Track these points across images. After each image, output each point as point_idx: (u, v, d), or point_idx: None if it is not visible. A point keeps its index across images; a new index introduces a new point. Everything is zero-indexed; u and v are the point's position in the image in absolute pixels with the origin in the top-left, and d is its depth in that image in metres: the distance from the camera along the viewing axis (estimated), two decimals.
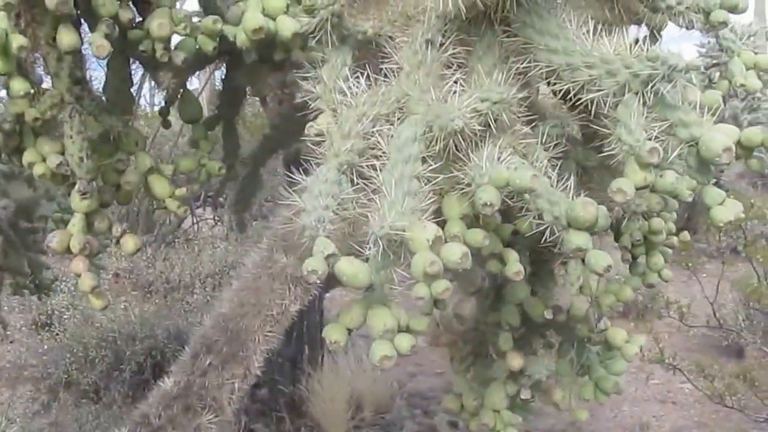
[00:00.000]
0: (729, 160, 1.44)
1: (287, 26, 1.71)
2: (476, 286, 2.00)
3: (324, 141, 1.51)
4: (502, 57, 1.68)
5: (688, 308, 6.41)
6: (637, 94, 1.48)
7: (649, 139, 1.46)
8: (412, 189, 1.44)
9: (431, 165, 1.48)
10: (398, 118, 1.54)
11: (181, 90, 2.15)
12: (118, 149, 2.02)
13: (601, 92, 1.51)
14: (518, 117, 1.66)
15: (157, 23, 1.76)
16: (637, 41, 1.55)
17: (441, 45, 1.63)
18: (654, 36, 1.87)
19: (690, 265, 6.56)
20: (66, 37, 1.71)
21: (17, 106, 1.81)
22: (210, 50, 1.88)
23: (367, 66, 1.63)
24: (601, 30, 1.58)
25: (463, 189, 1.51)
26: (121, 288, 9.38)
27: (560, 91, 1.60)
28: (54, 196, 4.18)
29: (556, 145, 1.74)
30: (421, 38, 1.61)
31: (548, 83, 1.61)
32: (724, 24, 1.83)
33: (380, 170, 1.47)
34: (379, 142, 1.50)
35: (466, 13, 1.62)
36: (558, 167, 1.71)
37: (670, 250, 2.18)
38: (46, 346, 7.38)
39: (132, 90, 2.10)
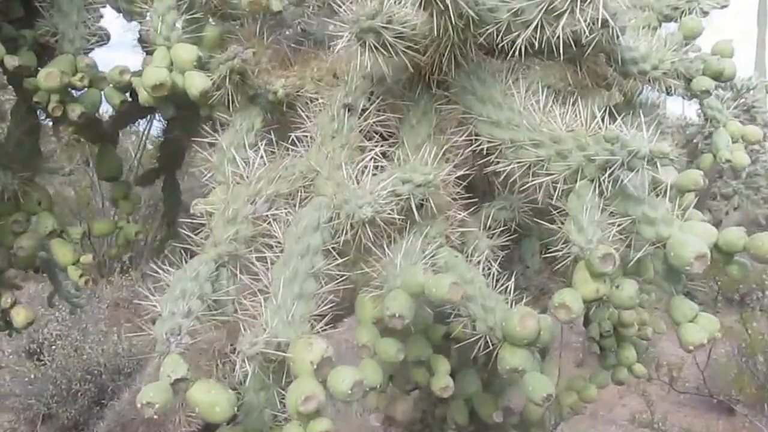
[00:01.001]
0: (702, 269, 1.15)
1: (195, 83, 1.45)
2: (413, 383, 1.71)
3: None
4: (440, 127, 1.41)
5: (680, 370, 6.06)
6: (592, 181, 1.20)
7: (607, 240, 1.18)
8: (306, 290, 1.17)
9: (336, 260, 1.21)
10: (301, 200, 1.27)
11: (99, 144, 1.89)
12: (18, 209, 1.77)
13: (549, 177, 1.24)
14: (455, 199, 1.38)
15: (45, 73, 1.51)
16: (599, 115, 1.27)
17: (364, 111, 1.36)
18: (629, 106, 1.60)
19: None
20: None
21: None
22: (117, 104, 1.63)
23: (272, 133, 1.37)
24: (555, 99, 1.31)
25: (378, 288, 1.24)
26: (117, 318, 9.17)
27: (505, 171, 1.32)
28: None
29: (504, 231, 1.47)
30: (340, 102, 1.35)
31: (489, 162, 1.33)
32: (707, 93, 1.56)
33: (271, 264, 1.20)
34: (273, 229, 1.22)
35: (396, 75, 1.36)
36: (507, 257, 1.44)
37: (645, 342, 1.90)
38: (33, 375, 7.17)
39: (39, 142, 1.84)
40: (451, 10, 1.16)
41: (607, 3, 1.23)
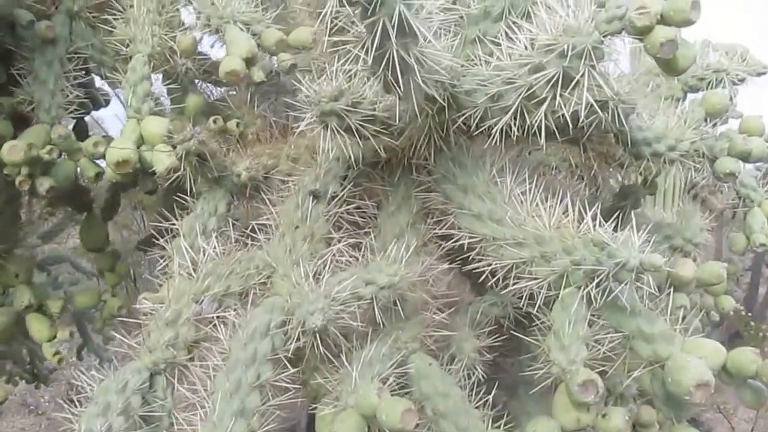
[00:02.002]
0: (704, 399, 0.98)
1: (162, 160, 1.34)
2: None
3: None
4: (421, 214, 1.27)
5: None
6: (579, 289, 1.05)
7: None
8: (248, 405, 1.04)
9: (287, 369, 1.08)
10: (254, 300, 1.14)
11: (86, 213, 1.80)
12: None
13: (533, 281, 1.09)
14: (435, 297, 1.24)
15: (9, 147, 1.42)
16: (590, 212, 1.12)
17: (334, 197, 1.23)
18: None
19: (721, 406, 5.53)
20: None
21: None
22: (92, 177, 1.53)
23: (228, 223, 1.24)
24: (546, 188, 1.16)
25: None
26: None
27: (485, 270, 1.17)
28: (61, 284, 3.93)
29: (495, 330, 1.31)
30: (306, 188, 1.22)
31: (469, 258, 1.19)
32: (732, 176, 1.38)
33: (213, 373, 1.07)
34: (219, 333, 1.09)
35: (369, 158, 1.23)
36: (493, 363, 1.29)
37: None
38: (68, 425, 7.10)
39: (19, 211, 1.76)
40: (414, 96, 1.02)
41: (609, 82, 1.07)
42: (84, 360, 3.89)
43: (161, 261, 1.26)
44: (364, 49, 0.94)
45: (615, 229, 1.05)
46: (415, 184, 1.27)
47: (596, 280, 1.01)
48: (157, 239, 1.27)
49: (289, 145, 1.38)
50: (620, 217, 1.48)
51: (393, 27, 0.89)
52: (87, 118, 1.89)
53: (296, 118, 1.47)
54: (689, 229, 1.58)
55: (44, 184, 1.48)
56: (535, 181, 1.18)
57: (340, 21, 0.97)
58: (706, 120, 1.48)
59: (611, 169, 1.46)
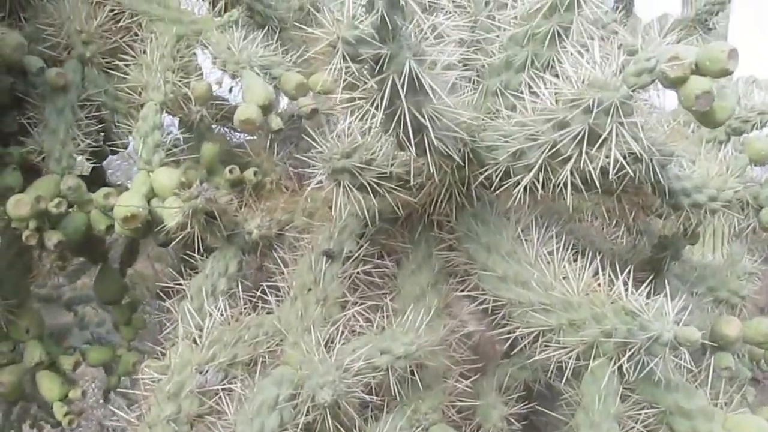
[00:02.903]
0: None
1: (172, 216, 1.27)
2: None
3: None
4: (444, 274, 1.19)
5: None
6: (610, 361, 0.96)
7: None
8: None
9: None
10: (263, 369, 1.07)
11: (100, 264, 1.75)
12: (1, 339, 1.63)
13: (561, 351, 1.00)
14: (458, 363, 1.16)
15: (15, 201, 1.37)
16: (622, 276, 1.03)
17: (350, 257, 1.16)
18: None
19: None
20: None
21: None
22: (103, 230, 1.48)
23: (238, 283, 1.18)
24: (573, 246, 1.08)
25: None
26: None
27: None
28: (87, 324, 3.91)
29: (525, 396, 1.23)
30: (319, 248, 1.15)
31: (494, 321, 1.11)
32: None
33: None
34: (224, 406, 1.02)
35: (386, 215, 1.16)
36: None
37: None
38: None
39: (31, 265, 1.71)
40: (430, 153, 0.95)
41: (642, 135, 0.98)
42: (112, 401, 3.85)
43: (168, 324, 1.20)
44: (375, 106, 0.87)
45: (652, 283, 0.97)
46: (437, 242, 1.20)
47: (628, 353, 0.93)
48: (164, 300, 1.20)
49: (305, 198, 1.31)
50: (660, 268, 1.39)
51: (403, 85, 0.82)
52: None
53: (313, 168, 1.42)
54: (735, 279, 1.48)
55: (53, 238, 1.43)
56: (563, 239, 1.10)
57: (350, 76, 0.90)
58: (750, 165, 1.39)
59: (649, 219, 1.37)
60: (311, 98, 1.50)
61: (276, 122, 1.39)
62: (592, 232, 1.44)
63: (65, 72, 1.52)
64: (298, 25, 1.76)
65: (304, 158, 1.55)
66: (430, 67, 0.86)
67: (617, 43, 0.97)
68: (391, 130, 0.90)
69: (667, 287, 0.93)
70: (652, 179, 1.18)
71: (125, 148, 1.86)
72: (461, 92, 0.99)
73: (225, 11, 1.63)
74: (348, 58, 0.80)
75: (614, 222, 1.48)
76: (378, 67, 0.81)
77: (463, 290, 1.16)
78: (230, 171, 1.45)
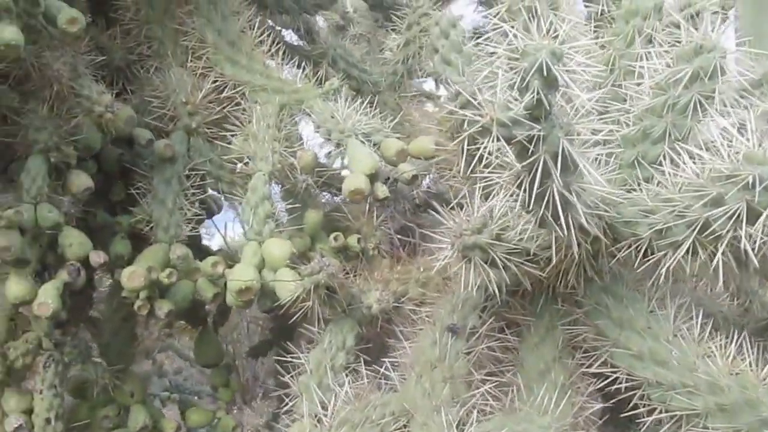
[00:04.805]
0: None
1: (285, 289, 1.27)
2: None
3: None
4: (567, 348, 1.16)
5: None
6: None
7: None
8: None
9: None
10: None
11: (200, 327, 1.75)
12: (108, 402, 1.63)
13: None
14: None
15: (129, 273, 1.38)
16: None
17: (473, 333, 1.13)
18: None
19: None
20: (15, 288, 1.35)
21: None
22: (210, 297, 1.48)
23: (361, 357, 1.16)
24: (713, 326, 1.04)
25: None
26: None
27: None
28: (166, 372, 3.94)
29: None
30: (443, 323, 1.13)
31: (630, 401, 1.06)
32: None
33: None
34: None
35: (511, 288, 1.13)
36: None
37: None
38: None
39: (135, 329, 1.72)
40: (573, 230, 0.92)
41: None
42: None
43: (286, 400, 1.18)
44: (521, 187, 0.85)
45: None
46: (560, 314, 1.16)
47: None
48: (282, 376, 1.19)
49: (417, 267, 1.29)
50: None
51: (557, 165, 0.80)
52: None
53: (422, 235, 1.41)
54: None
55: (163, 308, 1.43)
56: (694, 310, 1.05)
57: (482, 151, 0.88)
58: None
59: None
60: (411, 164, 1.49)
61: (382, 191, 1.39)
62: (700, 294, 1.39)
63: (173, 143, 1.54)
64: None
65: (409, 224, 1.54)
66: (579, 144, 0.83)
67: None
68: (535, 209, 0.87)
69: None
70: None
71: (220, 210, 1.88)
72: (603, 167, 0.96)
73: (306, 71, 1.65)
74: (502, 140, 0.78)
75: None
76: (532, 147, 0.79)
77: (590, 366, 1.12)
78: (335, 238, 1.44)
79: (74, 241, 1.42)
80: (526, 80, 0.75)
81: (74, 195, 1.46)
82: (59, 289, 1.37)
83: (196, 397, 3.92)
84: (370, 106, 1.52)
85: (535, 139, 0.79)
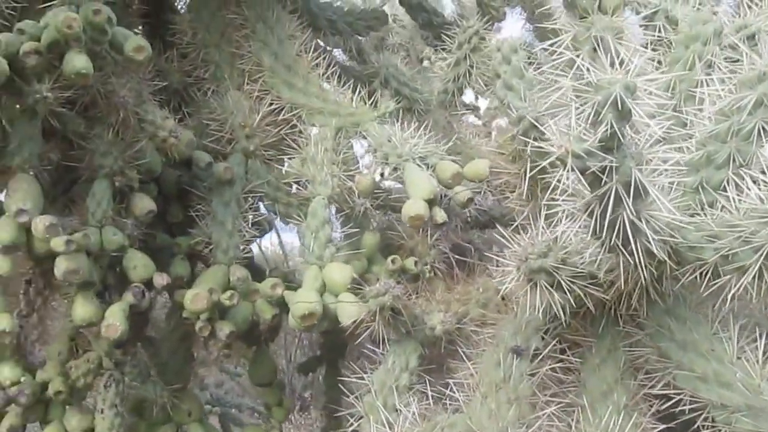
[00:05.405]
0: None
1: (347, 312, 1.29)
2: None
3: None
4: (629, 370, 1.17)
5: None
6: None
7: None
8: None
9: None
10: None
11: (254, 346, 1.78)
12: (166, 421, 1.67)
13: None
14: None
15: (192, 295, 1.42)
16: None
17: (536, 354, 1.15)
18: None
19: None
20: (82, 310, 1.39)
21: (45, 372, 1.51)
22: (269, 318, 1.51)
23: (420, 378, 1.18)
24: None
25: None
26: None
27: None
28: (207, 385, 3.97)
29: None
30: (507, 344, 1.15)
31: (694, 424, 1.07)
32: None
33: None
34: None
35: (574, 309, 1.15)
36: None
37: None
38: None
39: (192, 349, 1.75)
40: (637, 255, 0.94)
41: None
42: None
43: (351, 420, 1.20)
44: (592, 215, 0.87)
45: None
46: (621, 336, 1.18)
47: None
48: (347, 396, 1.21)
49: (477, 288, 1.31)
50: None
51: (629, 193, 0.82)
52: None
53: (480, 256, 1.43)
54: None
55: (224, 329, 1.46)
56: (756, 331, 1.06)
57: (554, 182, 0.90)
58: None
59: None
60: (465, 186, 1.51)
61: (441, 216, 1.41)
62: (761, 314, 1.39)
63: (232, 166, 1.58)
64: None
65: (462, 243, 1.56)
66: (649, 173, 0.85)
67: None
68: (606, 236, 0.89)
69: None
70: None
71: (271, 229, 1.91)
72: (669, 193, 0.98)
73: (360, 93, 1.67)
74: (576, 171, 0.80)
75: None
76: (604, 177, 0.81)
77: (652, 387, 1.13)
78: (392, 261, 1.46)
79: (138, 264, 1.46)
80: (601, 113, 0.77)
81: (137, 218, 1.51)
82: (125, 311, 1.41)
83: (236, 410, 3.95)
84: (421, 125, 1.55)
85: (607, 169, 0.81)
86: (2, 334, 1.30)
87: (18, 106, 1.37)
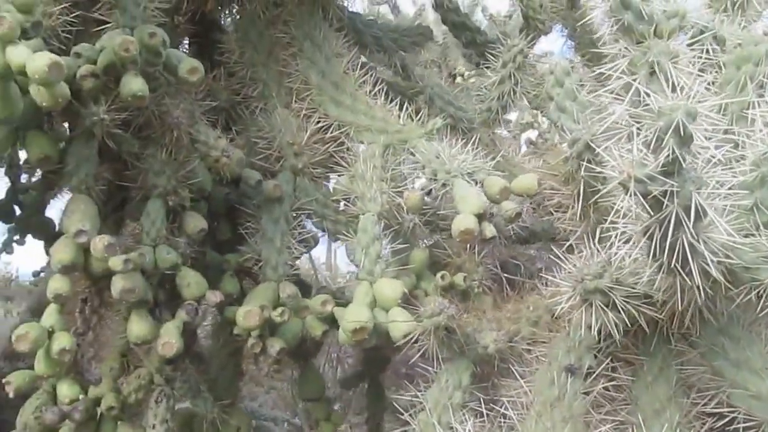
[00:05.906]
0: None
1: (399, 328, 1.31)
2: None
3: None
4: (683, 387, 1.18)
5: None
6: None
7: None
8: None
9: None
10: None
11: (302, 362, 1.80)
12: None
13: None
14: None
15: (245, 312, 1.44)
16: None
17: (589, 373, 1.16)
18: None
19: None
20: (137, 328, 1.42)
21: (97, 389, 1.55)
22: (318, 335, 1.53)
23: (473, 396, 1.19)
24: None
25: None
26: None
27: None
28: (241, 398, 4.00)
29: None
30: (560, 362, 1.16)
31: None
32: None
33: None
34: None
35: (627, 327, 1.16)
36: None
37: None
38: None
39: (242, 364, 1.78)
40: (695, 276, 0.95)
41: None
42: None
43: None
44: (652, 238, 0.88)
45: None
46: (673, 354, 1.18)
47: None
48: (401, 414, 1.23)
49: (527, 306, 1.32)
50: None
51: (689, 216, 0.83)
52: None
53: (529, 273, 1.44)
54: None
55: (275, 346, 1.48)
56: None
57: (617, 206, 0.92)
58: None
59: None
60: (514, 201, 1.52)
61: (490, 230, 1.42)
62: None
63: (281, 184, 1.60)
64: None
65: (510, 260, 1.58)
66: (708, 196, 0.87)
67: None
68: (664, 258, 0.90)
69: None
70: None
71: (316, 244, 1.93)
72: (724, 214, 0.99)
73: (408, 110, 1.69)
74: (639, 196, 0.82)
75: None
76: (666, 200, 0.82)
77: (705, 405, 1.14)
78: (442, 277, 1.48)
79: (191, 281, 1.49)
80: (663, 139, 0.79)
81: (189, 236, 1.54)
82: (179, 328, 1.44)
83: (272, 423, 3.97)
84: (466, 143, 1.56)
85: (668, 193, 0.82)
86: (62, 353, 1.32)
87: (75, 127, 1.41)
